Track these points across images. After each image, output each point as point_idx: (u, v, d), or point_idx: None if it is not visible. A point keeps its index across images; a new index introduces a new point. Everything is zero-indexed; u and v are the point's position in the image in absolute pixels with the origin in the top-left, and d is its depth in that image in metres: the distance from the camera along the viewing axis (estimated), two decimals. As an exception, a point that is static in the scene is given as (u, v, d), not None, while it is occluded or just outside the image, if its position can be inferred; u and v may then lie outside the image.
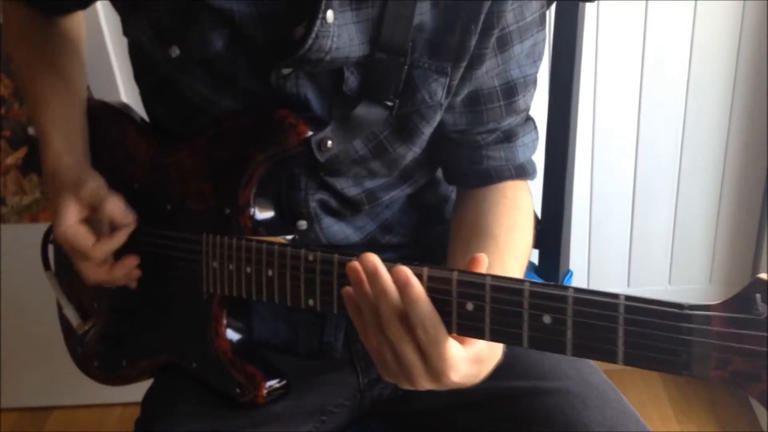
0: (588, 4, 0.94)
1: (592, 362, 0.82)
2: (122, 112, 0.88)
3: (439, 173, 0.88)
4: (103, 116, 0.88)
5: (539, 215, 1.04)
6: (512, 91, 0.76)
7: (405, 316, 0.57)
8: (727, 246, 1.59)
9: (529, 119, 0.82)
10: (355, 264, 0.58)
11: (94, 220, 0.79)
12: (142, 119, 0.87)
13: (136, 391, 0.87)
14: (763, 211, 1.55)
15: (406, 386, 0.61)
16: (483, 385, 0.77)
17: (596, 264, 1.62)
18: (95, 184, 0.78)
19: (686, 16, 1.38)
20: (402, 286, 0.56)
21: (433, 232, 0.89)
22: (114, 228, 0.78)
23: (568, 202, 1.02)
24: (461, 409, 0.80)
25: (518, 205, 0.80)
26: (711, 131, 1.48)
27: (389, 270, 0.57)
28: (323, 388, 0.83)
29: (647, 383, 1.64)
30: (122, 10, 0.76)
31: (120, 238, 0.78)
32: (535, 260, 1.07)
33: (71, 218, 0.77)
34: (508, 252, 0.74)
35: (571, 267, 1.09)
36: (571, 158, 1.00)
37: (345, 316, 0.70)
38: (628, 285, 1.62)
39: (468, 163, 0.80)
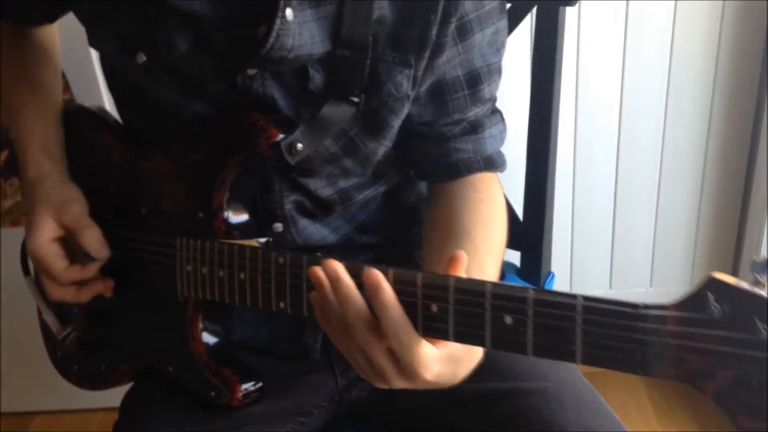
0: (569, 8, 0.95)
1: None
2: (99, 115, 0.88)
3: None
4: (80, 120, 0.88)
5: (521, 217, 1.04)
6: (476, 80, 0.76)
7: (373, 321, 0.57)
8: (708, 248, 1.60)
9: (495, 111, 0.82)
10: (317, 270, 0.59)
11: (68, 240, 0.80)
12: (118, 123, 0.88)
13: (119, 396, 0.87)
14: (742, 214, 1.56)
15: (381, 385, 0.61)
16: (461, 386, 0.77)
17: (578, 266, 1.63)
18: (78, 209, 0.79)
19: (665, 21, 1.39)
20: (373, 289, 0.56)
21: (411, 232, 0.89)
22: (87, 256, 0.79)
23: (550, 204, 1.03)
24: (439, 411, 0.80)
25: (491, 199, 0.80)
26: (691, 135, 1.49)
27: (360, 272, 0.57)
28: (301, 390, 0.83)
29: (629, 386, 1.65)
30: (86, 21, 0.77)
31: (91, 271, 0.80)
32: (517, 262, 1.07)
33: (46, 235, 0.78)
34: (484, 249, 0.74)
35: (553, 269, 1.09)
36: (552, 160, 1.00)
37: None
38: (610, 287, 1.62)
39: (436, 157, 0.80)
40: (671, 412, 1.58)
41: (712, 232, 1.58)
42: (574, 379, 0.79)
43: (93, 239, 0.79)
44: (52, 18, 0.89)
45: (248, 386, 0.77)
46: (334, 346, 0.83)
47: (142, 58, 0.72)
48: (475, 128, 0.80)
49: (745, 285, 0.44)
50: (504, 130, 0.83)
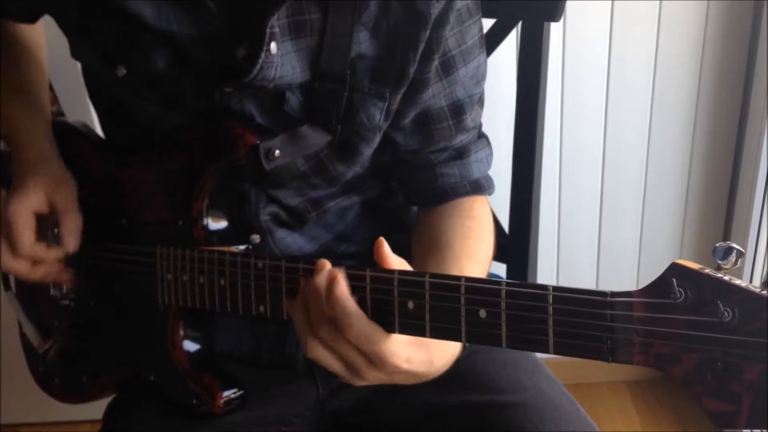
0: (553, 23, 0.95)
1: (551, 373, 0.83)
2: (79, 130, 0.89)
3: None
4: (62, 134, 0.88)
5: (506, 230, 1.05)
6: (460, 111, 0.78)
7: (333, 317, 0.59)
8: (693, 257, 1.62)
9: (481, 136, 0.84)
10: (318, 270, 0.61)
11: (44, 220, 0.80)
12: (99, 137, 0.89)
13: (104, 408, 0.87)
14: (727, 222, 1.58)
15: (361, 383, 0.62)
16: (443, 399, 0.78)
17: (564, 277, 1.63)
18: (72, 192, 0.80)
19: (650, 34, 1.41)
20: (329, 283, 0.58)
21: (392, 240, 0.90)
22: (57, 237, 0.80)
23: (536, 215, 1.03)
24: (421, 423, 0.80)
25: (472, 215, 0.81)
26: (676, 142, 1.51)
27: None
28: (283, 399, 0.84)
29: (615, 397, 1.66)
30: (70, 32, 0.78)
31: (53, 255, 0.79)
32: (504, 274, 1.08)
33: (31, 204, 0.78)
34: (465, 256, 0.75)
35: (539, 281, 1.10)
36: (537, 172, 1.01)
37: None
38: (596, 296, 1.63)
39: (424, 183, 0.82)
40: (657, 423, 1.59)
41: (697, 240, 1.59)
42: (555, 392, 0.79)
43: (72, 226, 0.79)
44: (28, 17, 0.88)
45: (230, 393, 0.78)
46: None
47: (122, 71, 0.73)
48: (461, 154, 0.81)
49: (707, 270, 0.46)
50: (490, 155, 0.85)
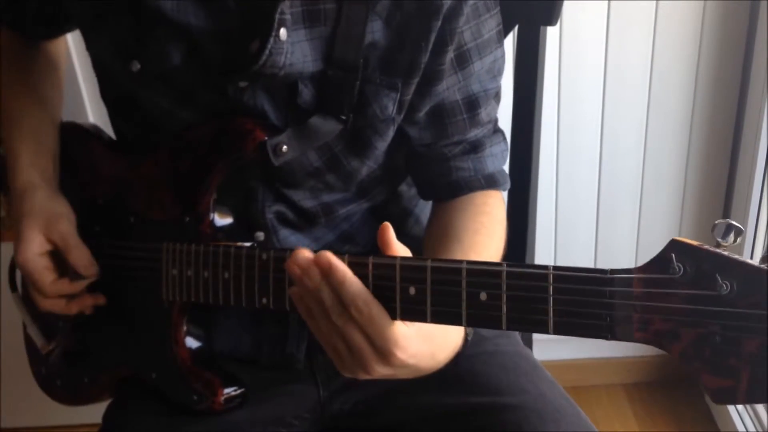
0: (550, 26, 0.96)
1: (551, 376, 0.83)
2: (90, 131, 0.90)
3: (401, 187, 0.90)
4: (72, 135, 0.90)
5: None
6: (474, 105, 0.78)
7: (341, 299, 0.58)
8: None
9: (497, 131, 0.84)
10: (289, 263, 0.60)
11: (57, 254, 0.81)
12: (111, 139, 0.90)
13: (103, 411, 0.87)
14: (724, 217, 1.57)
15: (363, 376, 0.61)
16: (443, 401, 0.78)
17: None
18: (66, 226, 0.80)
19: (646, 36, 1.42)
20: (325, 271, 0.58)
21: None
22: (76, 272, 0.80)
23: (533, 217, 1.03)
24: (421, 425, 0.80)
25: (485, 210, 0.81)
26: (672, 146, 1.51)
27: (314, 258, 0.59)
28: (283, 399, 0.84)
29: (613, 400, 1.65)
30: (85, 26, 0.79)
31: (78, 287, 0.81)
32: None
33: (35, 249, 0.79)
34: (473, 251, 0.75)
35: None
36: (535, 174, 1.01)
37: (306, 327, 0.71)
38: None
39: (437, 176, 0.82)
40: (655, 426, 1.58)
41: (694, 236, 1.59)
42: (555, 394, 0.79)
43: (81, 258, 0.80)
44: (50, 32, 0.90)
45: (231, 391, 0.78)
46: (319, 356, 0.84)
47: (136, 66, 0.74)
48: (475, 148, 0.81)
49: (706, 246, 0.46)
50: (506, 150, 0.85)
